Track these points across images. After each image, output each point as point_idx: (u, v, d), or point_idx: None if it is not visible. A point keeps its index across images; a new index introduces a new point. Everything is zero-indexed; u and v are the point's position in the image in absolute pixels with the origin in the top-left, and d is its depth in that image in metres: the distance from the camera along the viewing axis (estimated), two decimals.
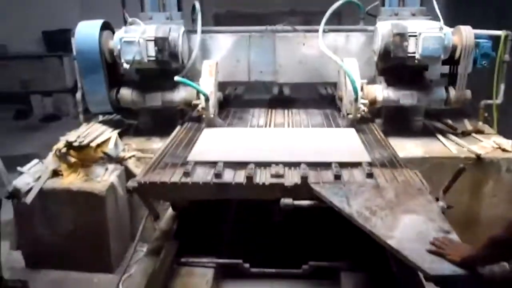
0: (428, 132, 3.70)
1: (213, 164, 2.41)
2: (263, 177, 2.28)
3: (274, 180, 2.24)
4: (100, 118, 3.96)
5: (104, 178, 3.19)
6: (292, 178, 2.26)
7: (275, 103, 4.16)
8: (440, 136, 3.58)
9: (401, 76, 3.48)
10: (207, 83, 3.22)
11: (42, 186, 3.12)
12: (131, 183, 2.27)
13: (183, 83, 3.22)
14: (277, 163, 2.40)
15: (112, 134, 3.49)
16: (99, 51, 3.37)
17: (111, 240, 3.16)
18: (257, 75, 3.86)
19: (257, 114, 3.82)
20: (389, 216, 1.93)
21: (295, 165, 2.40)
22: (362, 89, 3.27)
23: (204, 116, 3.19)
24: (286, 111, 3.87)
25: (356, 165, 2.43)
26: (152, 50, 3.29)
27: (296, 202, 2.17)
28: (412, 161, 3.05)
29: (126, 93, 3.58)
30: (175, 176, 2.30)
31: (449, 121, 3.87)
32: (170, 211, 2.81)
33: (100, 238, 3.15)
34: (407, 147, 3.40)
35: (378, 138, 3.01)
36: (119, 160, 3.36)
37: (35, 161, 3.33)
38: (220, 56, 3.80)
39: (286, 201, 2.18)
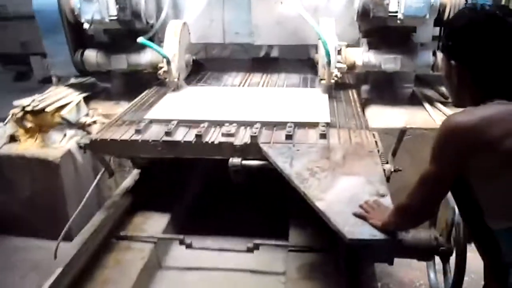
0: (417, 100, 3.94)
1: (168, 122, 2.75)
2: (214, 136, 2.62)
3: (224, 139, 2.58)
4: (72, 80, 4.29)
5: (62, 144, 3.54)
6: (243, 137, 2.59)
7: (258, 65, 4.45)
8: (427, 105, 3.82)
9: (385, 38, 3.69)
10: (171, 45, 3.52)
11: None
12: (83, 140, 2.66)
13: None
14: (231, 122, 2.72)
15: (76, 98, 3.83)
16: (59, 10, 3.70)
17: (69, 208, 3.51)
18: (233, 36, 4.13)
19: (235, 75, 4.12)
20: (328, 177, 2.19)
21: (250, 124, 2.72)
22: (340, 52, 3.55)
23: (166, 79, 3.51)
24: (266, 73, 4.14)
25: (313, 125, 2.75)
26: (113, 9, 3.56)
27: (244, 162, 2.50)
28: (390, 131, 3.23)
29: (90, 55, 3.91)
30: (127, 134, 2.67)
31: (443, 89, 4.12)
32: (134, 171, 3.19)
33: (57, 206, 3.51)
34: (389, 116, 3.63)
35: (350, 102, 3.31)
36: (81, 126, 3.70)
37: None
38: (192, 16, 4.07)
39: (235, 161, 2.51)
